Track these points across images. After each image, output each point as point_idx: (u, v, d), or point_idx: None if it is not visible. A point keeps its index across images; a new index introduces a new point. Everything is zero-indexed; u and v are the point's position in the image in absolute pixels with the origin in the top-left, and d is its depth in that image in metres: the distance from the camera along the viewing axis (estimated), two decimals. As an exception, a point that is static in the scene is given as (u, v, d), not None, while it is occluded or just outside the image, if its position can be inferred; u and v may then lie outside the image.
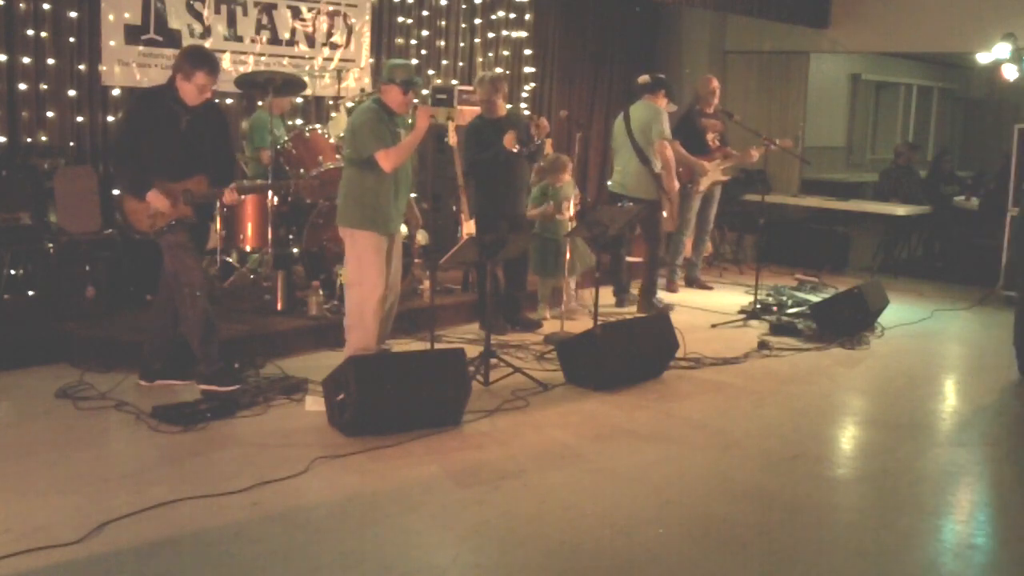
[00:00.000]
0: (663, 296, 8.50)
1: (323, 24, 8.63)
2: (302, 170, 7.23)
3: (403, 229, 6.15)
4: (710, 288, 9.33)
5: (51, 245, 6.49)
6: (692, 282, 9.34)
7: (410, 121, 6.05)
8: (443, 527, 4.00)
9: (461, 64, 9.85)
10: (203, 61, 5.24)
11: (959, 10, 10.29)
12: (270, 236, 6.92)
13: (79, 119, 7.25)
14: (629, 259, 8.55)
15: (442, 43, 9.65)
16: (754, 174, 10.55)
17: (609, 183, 8.39)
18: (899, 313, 8.38)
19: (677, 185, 8.10)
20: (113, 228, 6.91)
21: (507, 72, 9.82)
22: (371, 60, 8.99)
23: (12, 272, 6.60)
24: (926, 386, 6.60)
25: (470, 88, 8.90)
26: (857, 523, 4.28)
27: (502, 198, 6.90)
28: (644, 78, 8.32)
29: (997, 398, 6.23)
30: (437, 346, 6.37)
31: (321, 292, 6.76)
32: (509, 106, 7.25)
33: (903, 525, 4.22)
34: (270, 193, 6.83)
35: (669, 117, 8.10)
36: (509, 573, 3.65)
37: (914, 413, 5.87)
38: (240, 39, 8.14)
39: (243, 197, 6.54)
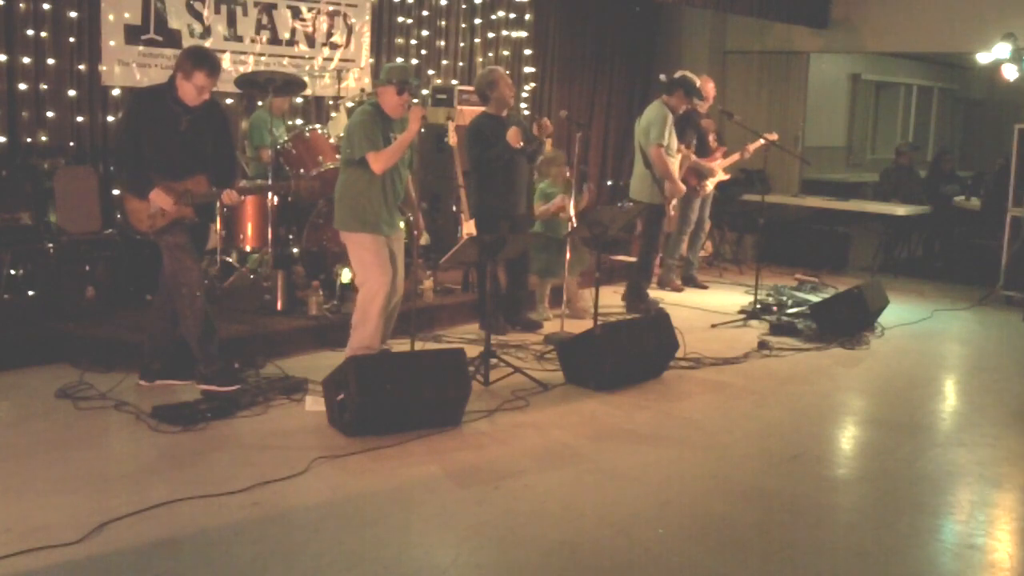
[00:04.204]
0: (663, 295, 8.53)
1: (323, 24, 8.63)
2: (302, 170, 7.24)
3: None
4: (705, 287, 9.34)
5: (51, 245, 6.49)
6: (688, 281, 9.37)
7: None
8: (443, 527, 4.00)
9: (461, 64, 9.86)
10: (203, 61, 5.23)
11: (959, 10, 10.30)
12: (270, 236, 6.92)
13: (79, 119, 7.25)
14: (625, 259, 8.58)
15: (442, 43, 9.65)
16: (754, 174, 10.56)
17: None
18: (899, 313, 8.38)
19: (681, 190, 8.06)
20: (113, 228, 6.92)
21: (507, 72, 9.82)
22: (371, 60, 8.99)
23: (12, 272, 6.60)
24: (926, 386, 6.60)
25: (470, 88, 8.91)
26: (857, 523, 4.28)
27: (503, 198, 6.89)
28: (662, 76, 8.26)
29: (997, 398, 6.23)
30: (437, 346, 6.39)
31: (321, 292, 6.75)
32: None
33: (903, 525, 4.22)
34: (270, 193, 6.83)
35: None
36: (509, 573, 3.65)
37: (914, 413, 5.87)
38: (240, 39, 8.14)
39: (243, 198, 6.54)
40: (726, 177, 9.22)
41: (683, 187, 8.11)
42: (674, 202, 8.05)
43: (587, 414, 5.51)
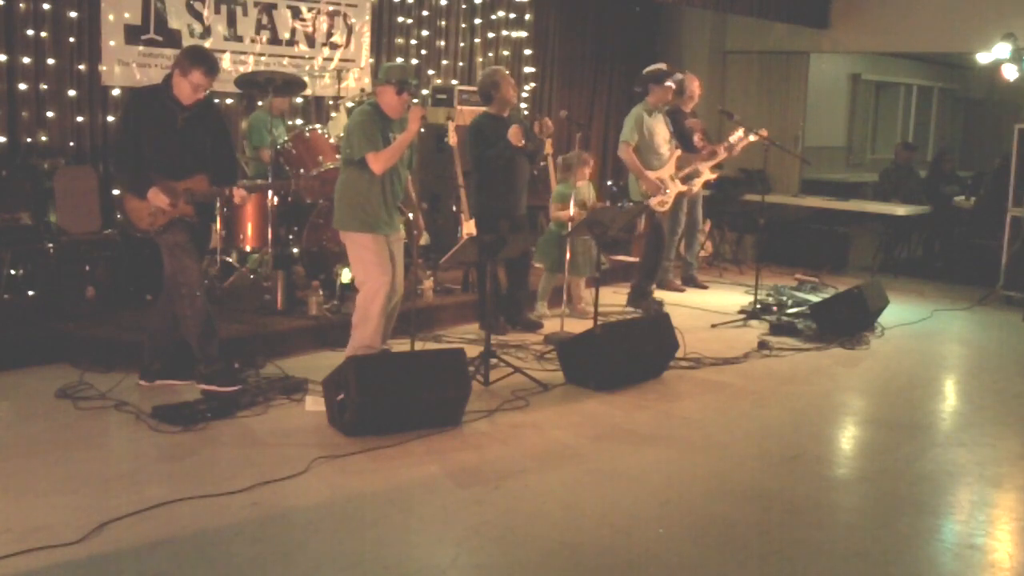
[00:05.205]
0: (664, 296, 8.54)
1: (323, 24, 8.64)
2: (302, 170, 7.24)
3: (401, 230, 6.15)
4: (705, 287, 9.34)
5: (51, 245, 6.49)
6: (688, 281, 9.36)
7: None
8: (443, 527, 4.00)
9: (461, 64, 9.86)
10: (201, 60, 5.23)
11: (959, 10, 10.30)
12: (270, 236, 6.92)
13: (79, 119, 7.26)
14: (628, 259, 8.56)
15: (442, 43, 9.65)
16: (754, 174, 10.55)
17: None
18: (899, 313, 8.38)
19: (655, 188, 7.88)
20: (113, 228, 6.92)
21: (507, 72, 9.83)
22: (371, 60, 8.99)
23: (12, 272, 6.60)
24: (926, 386, 6.60)
25: (470, 88, 8.92)
26: (857, 523, 4.28)
27: (503, 198, 6.89)
28: (637, 88, 8.31)
29: (997, 398, 6.23)
30: (437, 346, 6.39)
31: (321, 292, 6.75)
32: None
33: (903, 525, 4.22)
34: (270, 193, 6.83)
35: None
36: (509, 573, 3.65)
37: (914, 413, 5.87)
38: (240, 39, 8.14)
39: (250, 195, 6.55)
40: (713, 176, 9.11)
41: (659, 185, 7.91)
42: (659, 198, 7.94)
43: (587, 414, 5.51)
